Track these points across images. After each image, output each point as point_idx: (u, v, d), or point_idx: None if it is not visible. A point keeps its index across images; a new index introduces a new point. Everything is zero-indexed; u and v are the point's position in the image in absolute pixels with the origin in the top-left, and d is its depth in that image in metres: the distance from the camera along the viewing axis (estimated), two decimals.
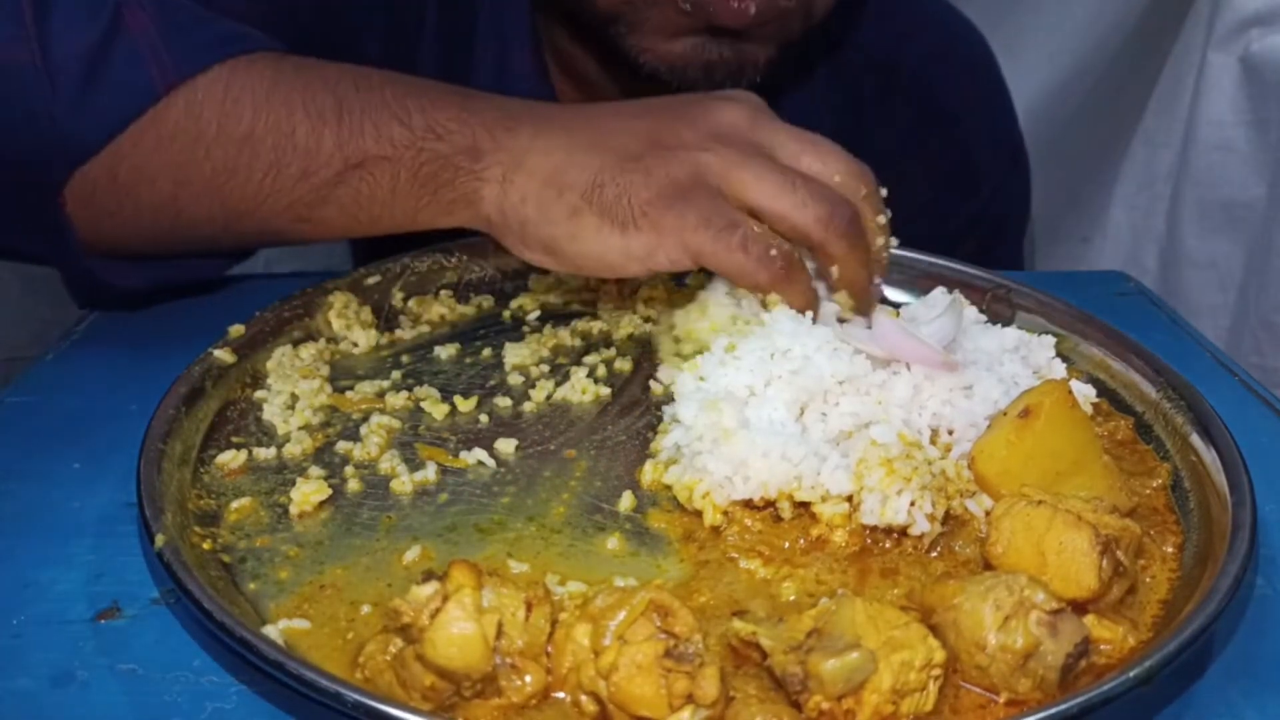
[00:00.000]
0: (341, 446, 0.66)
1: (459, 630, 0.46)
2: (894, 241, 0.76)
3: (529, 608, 0.48)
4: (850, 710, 0.46)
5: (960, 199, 1.13)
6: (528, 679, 0.47)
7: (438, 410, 0.69)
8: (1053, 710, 0.45)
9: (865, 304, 0.74)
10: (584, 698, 0.47)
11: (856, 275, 0.72)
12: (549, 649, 0.48)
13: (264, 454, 0.65)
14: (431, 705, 0.47)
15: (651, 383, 0.74)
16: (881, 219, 0.74)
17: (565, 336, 0.79)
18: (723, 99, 0.74)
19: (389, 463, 0.64)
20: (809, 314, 0.69)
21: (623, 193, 0.68)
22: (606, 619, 0.47)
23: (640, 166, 0.68)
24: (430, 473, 0.64)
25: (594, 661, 0.47)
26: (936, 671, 0.47)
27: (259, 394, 0.70)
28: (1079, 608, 0.52)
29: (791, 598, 0.55)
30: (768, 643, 0.47)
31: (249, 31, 0.77)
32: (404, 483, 0.63)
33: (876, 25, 1.08)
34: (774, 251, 0.68)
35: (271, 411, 0.68)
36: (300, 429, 0.67)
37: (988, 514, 0.60)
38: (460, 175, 0.71)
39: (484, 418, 0.70)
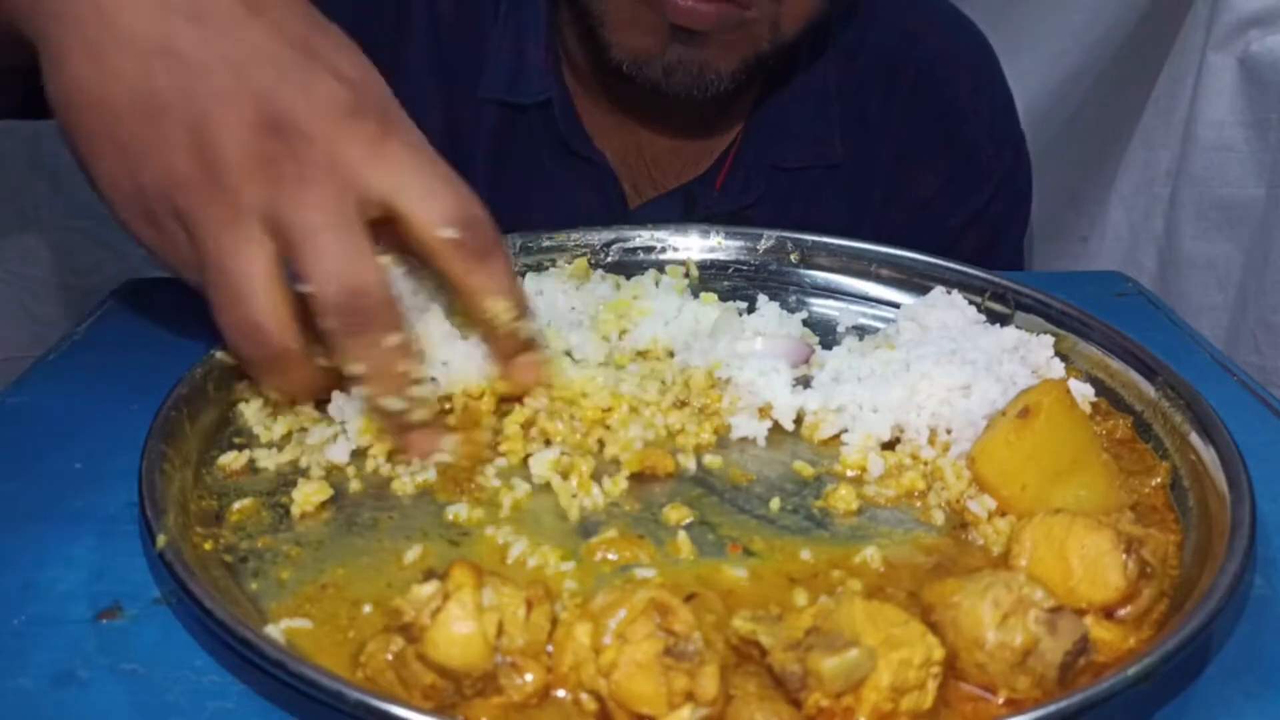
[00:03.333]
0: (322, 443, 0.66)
1: (460, 629, 0.46)
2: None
3: (529, 606, 0.48)
4: (849, 708, 0.46)
5: (962, 196, 1.14)
6: (528, 677, 0.47)
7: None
8: (1052, 708, 0.45)
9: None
10: (584, 696, 0.47)
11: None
12: (549, 647, 0.49)
13: (265, 455, 0.65)
14: (432, 704, 0.47)
15: None
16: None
17: None
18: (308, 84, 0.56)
19: (389, 463, 0.65)
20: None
21: (92, 166, 0.57)
22: (607, 617, 0.47)
23: (122, 151, 0.55)
24: (431, 473, 0.64)
25: (594, 660, 0.47)
26: (935, 669, 0.47)
27: (240, 386, 0.70)
28: (1109, 614, 0.52)
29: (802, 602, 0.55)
30: (767, 641, 0.48)
31: None
32: (404, 483, 0.63)
33: (883, 25, 1.09)
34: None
35: (254, 417, 0.68)
36: (284, 435, 0.67)
37: (990, 515, 0.60)
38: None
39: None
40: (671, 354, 0.74)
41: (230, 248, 0.55)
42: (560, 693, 0.48)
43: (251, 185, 0.54)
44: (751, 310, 0.79)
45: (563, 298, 0.78)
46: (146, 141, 0.54)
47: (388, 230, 0.60)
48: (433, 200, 0.58)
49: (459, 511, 0.60)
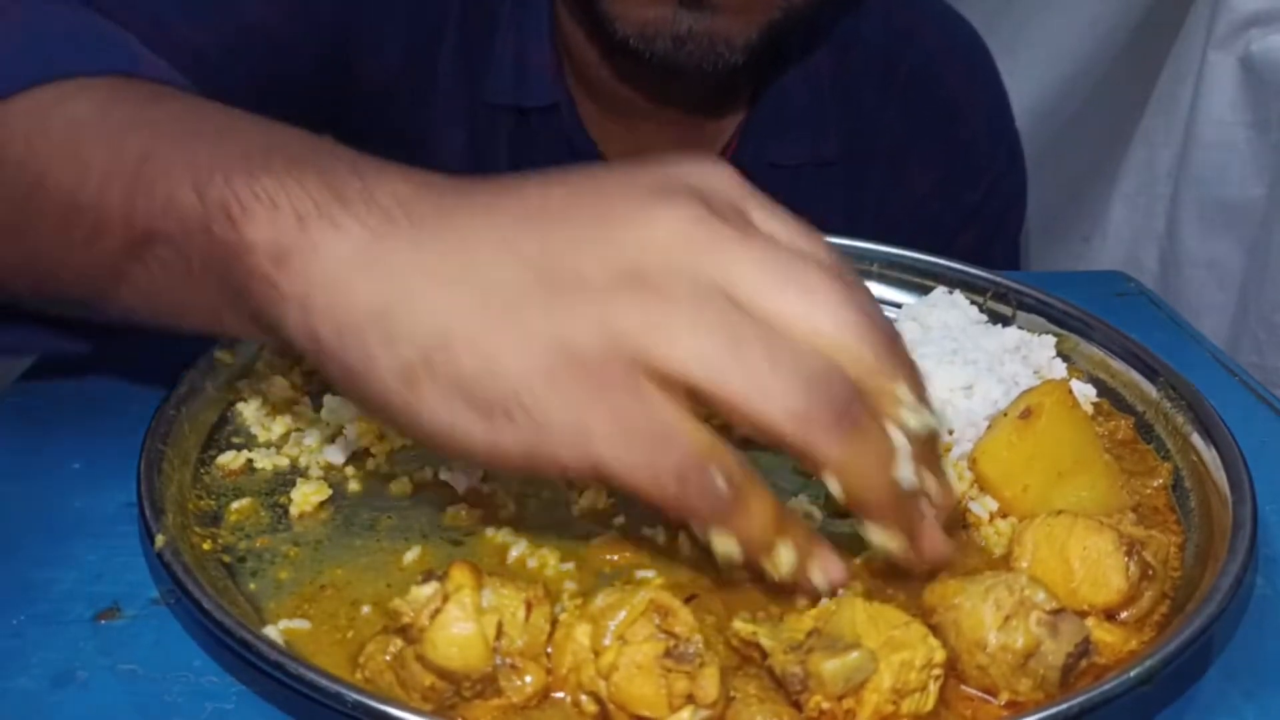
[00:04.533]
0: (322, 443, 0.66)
1: (459, 630, 0.46)
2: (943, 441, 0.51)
3: (529, 608, 0.48)
4: (850, 710, 0.46)
5: (957, 194, 1.14)
6: (528, 679, 0.47)
7: None
8: (1052, 710, 0.45)
9: (910, 535, 0.49)
10: (584, 698, 0.47)
11: (869, 487, 0.46)
12: (549, 649, 0.48)
13: (264, 455, 0.65)
14: (431, 705, 0.47)
15: None
16: (904, 395, 0.46)
17: None
18: (662, 193, 0.47)
19: (388, 464, 0.64)
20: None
21: (486, 363, 0.44)
22: (606, 619, 0.47)
23: (515, 321, 0.44)
24: (429, 473, 0.63)
25: (594, 661, 0.47)
26: (937, 671, 0.47)
27: (240, 385, 0.70)
28: (1111, 616, 0.52)
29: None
30: (768, 643, 0.47)
31: (123, 49, 0.61)
32: (404, 483, 0.63)
33: (876, 22, 1.09)
34: (720, 481, 0.44)
35: (253, 417, 0.68)
36: (282, 435, 0.67)
37: (991, 516, 0.60)
38: (254, 280, 0.48)
39: None
40: None
41: (631, 393, 0.44)
42: (559, 694, 0.48)
43: (625, 309, 0.44)
44: None
45: None
46: (500, 343, 0.44)
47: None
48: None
49: (458, 512, 0.60)
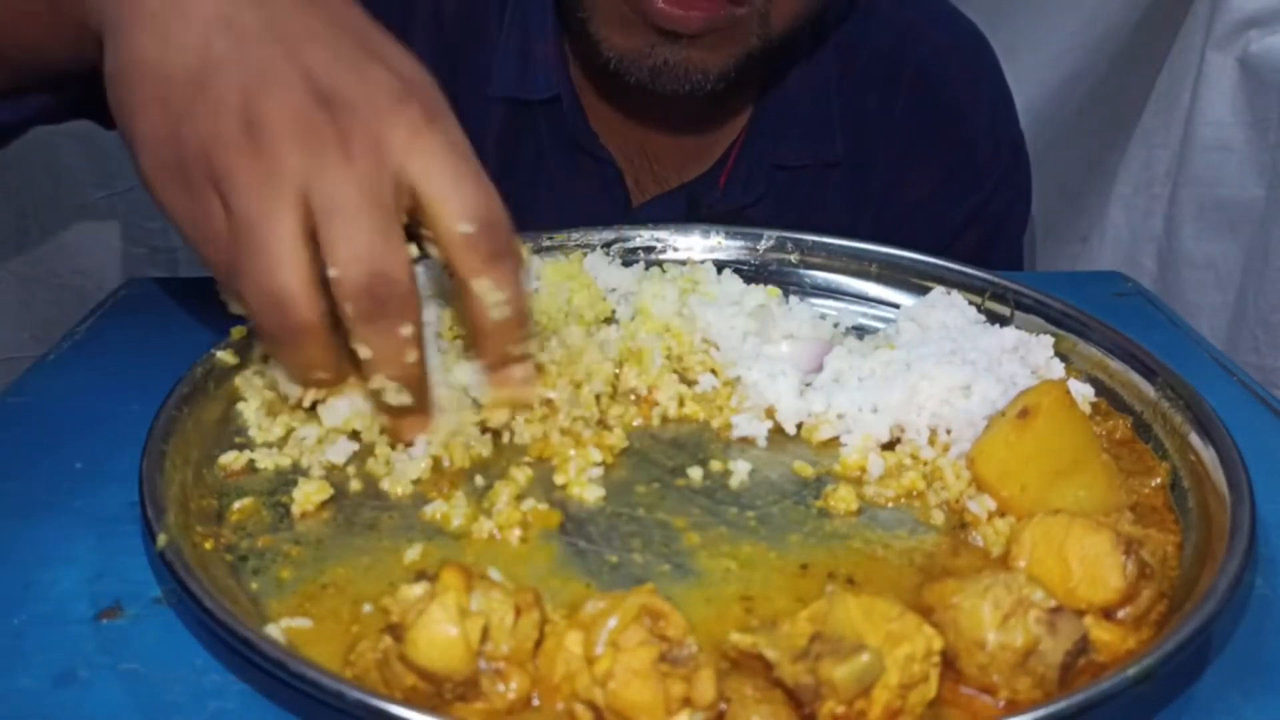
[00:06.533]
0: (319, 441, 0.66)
1: (440, 632, 0.46)
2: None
3: (518, 613, 0.48)
4: (862, 711, 0.46)
5: (962, 194, 1.14)
6: (512, 685, 0.47)
7: None
8: (1052, 709, 0.45)
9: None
10: (578, 706, 0.47)
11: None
12: (536, 656, 0.48)
13: (266, 454, 0.65)
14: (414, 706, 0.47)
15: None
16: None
17: None
18: (321, 97, 0.56)
19: (390, 464, 0.64)
20: None
21: (134, 130, 0.57)
22: (598, 626, 0.47)
23: (169, 113, 0.56)
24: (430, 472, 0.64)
25: (588, 670, 0.46)
26: (936, 659, 0.47)
27: (240, 384, 0.70)
28: (1109, 615, 0.52)
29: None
30: (772, 654, 0.47)
31: None
32: (404, 483, 0.63)
33: (881, 23, 1.10)
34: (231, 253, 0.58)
35: (254, 417, 0.68)
36: (283, 435, 0.67)
37: (989, 515, 0.60)
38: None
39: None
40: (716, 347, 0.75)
41: (262, 209, 0.54)
42: (537, 702, 0.47)
43: (292, 151, 0.54)
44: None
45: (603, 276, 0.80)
46: (194, 102, 0.55)
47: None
48: (458, 193, 0.57)
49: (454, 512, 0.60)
